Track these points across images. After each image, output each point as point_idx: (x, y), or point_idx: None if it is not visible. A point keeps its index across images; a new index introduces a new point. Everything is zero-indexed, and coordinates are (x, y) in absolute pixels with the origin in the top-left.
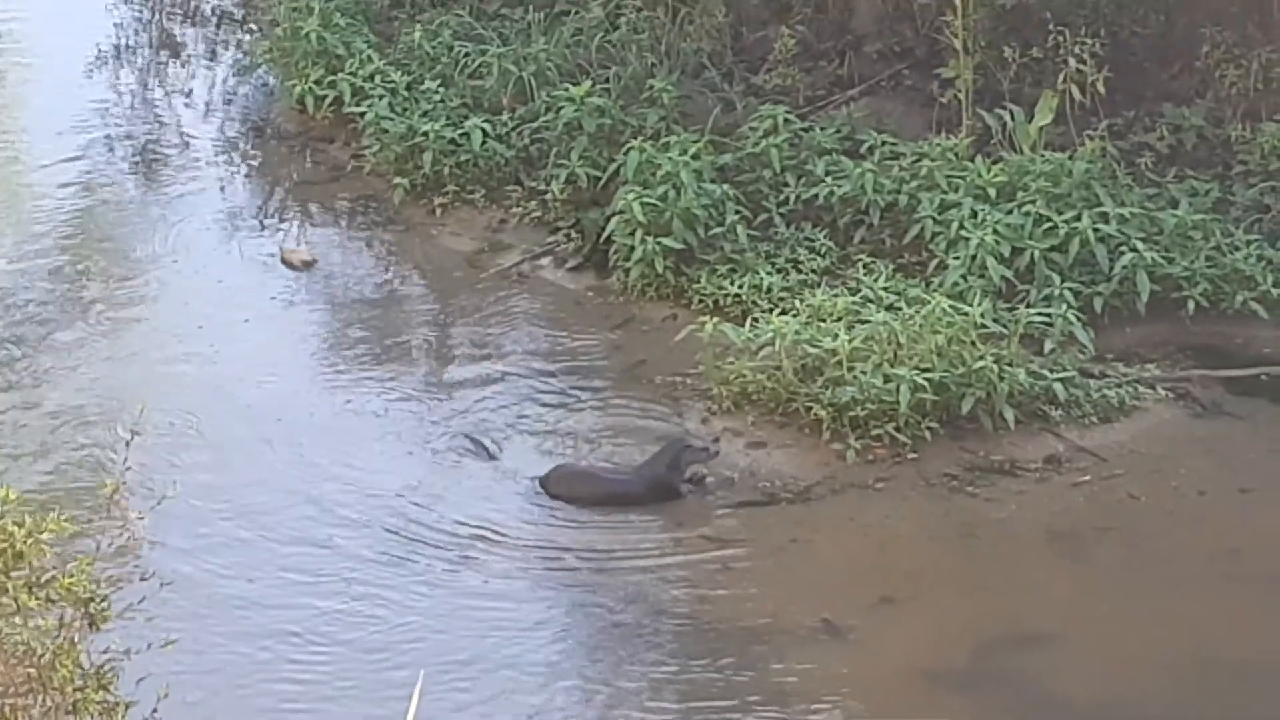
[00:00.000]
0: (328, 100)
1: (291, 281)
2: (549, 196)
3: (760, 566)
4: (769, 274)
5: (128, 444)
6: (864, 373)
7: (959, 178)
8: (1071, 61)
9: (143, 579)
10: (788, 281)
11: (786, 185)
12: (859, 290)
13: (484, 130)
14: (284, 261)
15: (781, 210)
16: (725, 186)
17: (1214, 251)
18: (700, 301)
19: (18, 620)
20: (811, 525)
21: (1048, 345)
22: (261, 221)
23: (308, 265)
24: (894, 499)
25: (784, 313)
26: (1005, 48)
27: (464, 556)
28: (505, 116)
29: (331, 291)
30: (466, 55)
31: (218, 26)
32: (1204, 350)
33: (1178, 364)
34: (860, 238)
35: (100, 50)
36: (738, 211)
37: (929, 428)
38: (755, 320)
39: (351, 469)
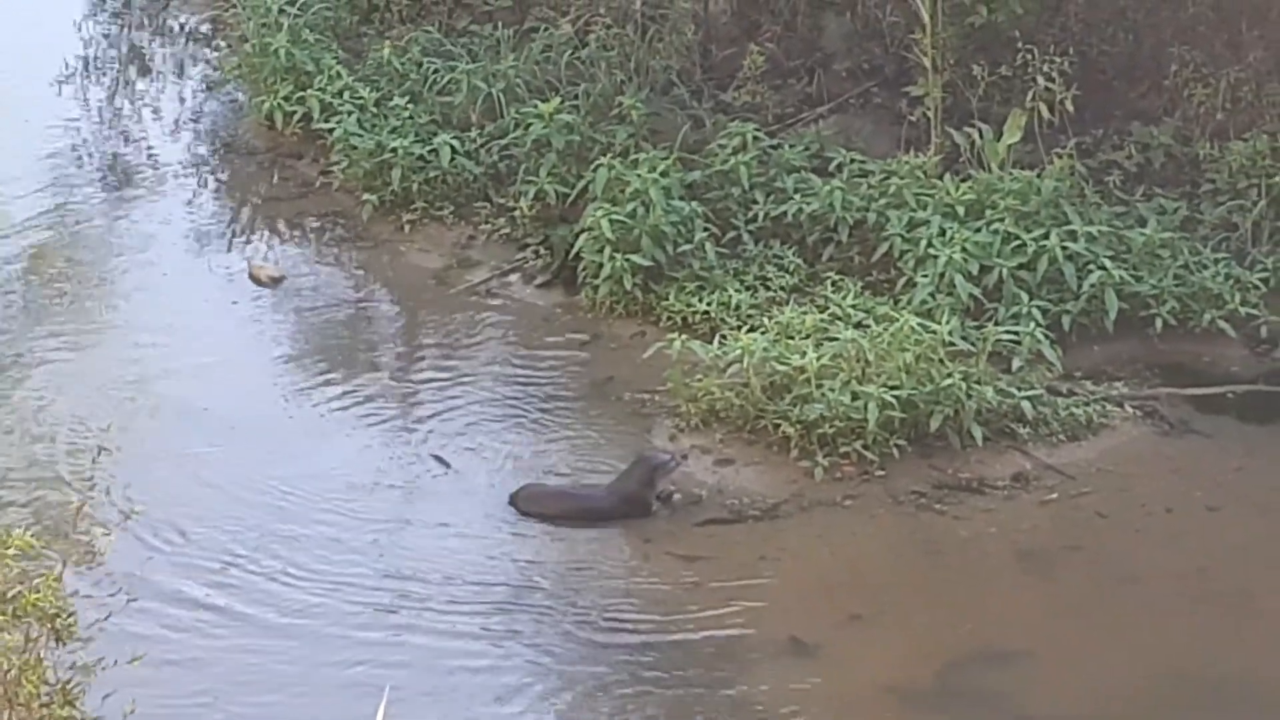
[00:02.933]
0: (296, 116)
1: (260, 297)
2: (517, 213)
3: (728, 584)
4: (737, 291)
5: (94, 460)
6: (832, 390)
7: (927, 195)
8: (1040, 80)
9: (109, 595)
10: (756, 299)
11: (755, 203)
12: (827, 308)
13: (453, 147)
14: (252, 278)
15: (750, 227)
16: (694, 204)
17: (1182, 270)
18: (668, 318)
19: None
20: (779, 543)
21: (1016, 363)
22: (229, 238)
23: (276, 281)
24: (862, 516)
25: (752, 330)
26: (974, 66)
27: (426, 575)
28: (474, 133)
29: (299, 307)
30: (435, 72)
31: (186, 42)
32: (1172, 368)
33: (1146, 382)
34: (829, 255)
35: (68, 65)
36: (706, 229)
37: (897, 445)
38: (723, 337)
39: (317, 483)
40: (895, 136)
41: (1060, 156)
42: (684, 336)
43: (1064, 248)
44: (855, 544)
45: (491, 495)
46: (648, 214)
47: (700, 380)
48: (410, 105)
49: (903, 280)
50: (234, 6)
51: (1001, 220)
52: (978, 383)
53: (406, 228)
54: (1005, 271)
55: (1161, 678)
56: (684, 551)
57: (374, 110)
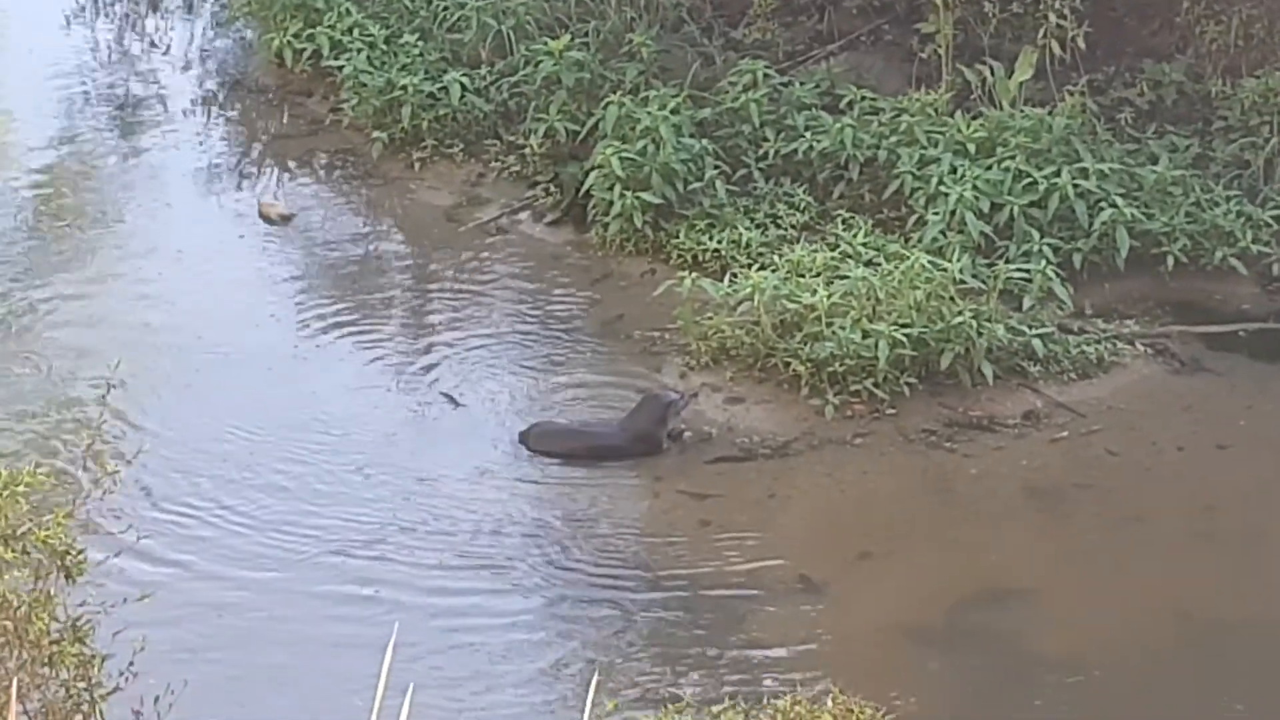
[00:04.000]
0: (306, 54)
1: (269, 235)
2: (527, 151)
3: (738, 522)
4: (748, 229)
5: (104, 397)
6: (843, 328)
7: (938, 133)
8: (1052, 17)
9: (120, 532)
10: (766, 237)
11: (765, 140)
12: (838, 245)
13: (462, 84)
14: (261, 215)
15: (760, 165)
16: (704, 141)
17: (1193, 207)
18: (679, 256)
19: None
20: (789, 481)
21: (1026, 301)
22: (239, 176)
23: (285, 219)
24: (872, 455)
25: (763, 268)
26: (985, 3)
27: (436, 515)
28: (484, 70)
29: (309, 245)
30: (445, 9)
31: None
32: (1183, 306)
33: (1157, 320)
34: (839, 193)
35: (78, 4)
36: (717, 166)
37: (907, 383)
38: (734, 275)
39: (327, 420)
40: (906, 74)
41: (1072, 94)
42: (694, 274)
43: (1075, 185)
44: (865, 482)
45: (501, 433)
46: (658, 151)
47: (710, 318)
48: (420, 42)
49: (913, 218)
50: None
51: (1013, 158)
52: (988, 320)
53: (416, 165)
54: (1016, 209)
55: (1170, 617)
56: (694, 489)
57: (383, 47)
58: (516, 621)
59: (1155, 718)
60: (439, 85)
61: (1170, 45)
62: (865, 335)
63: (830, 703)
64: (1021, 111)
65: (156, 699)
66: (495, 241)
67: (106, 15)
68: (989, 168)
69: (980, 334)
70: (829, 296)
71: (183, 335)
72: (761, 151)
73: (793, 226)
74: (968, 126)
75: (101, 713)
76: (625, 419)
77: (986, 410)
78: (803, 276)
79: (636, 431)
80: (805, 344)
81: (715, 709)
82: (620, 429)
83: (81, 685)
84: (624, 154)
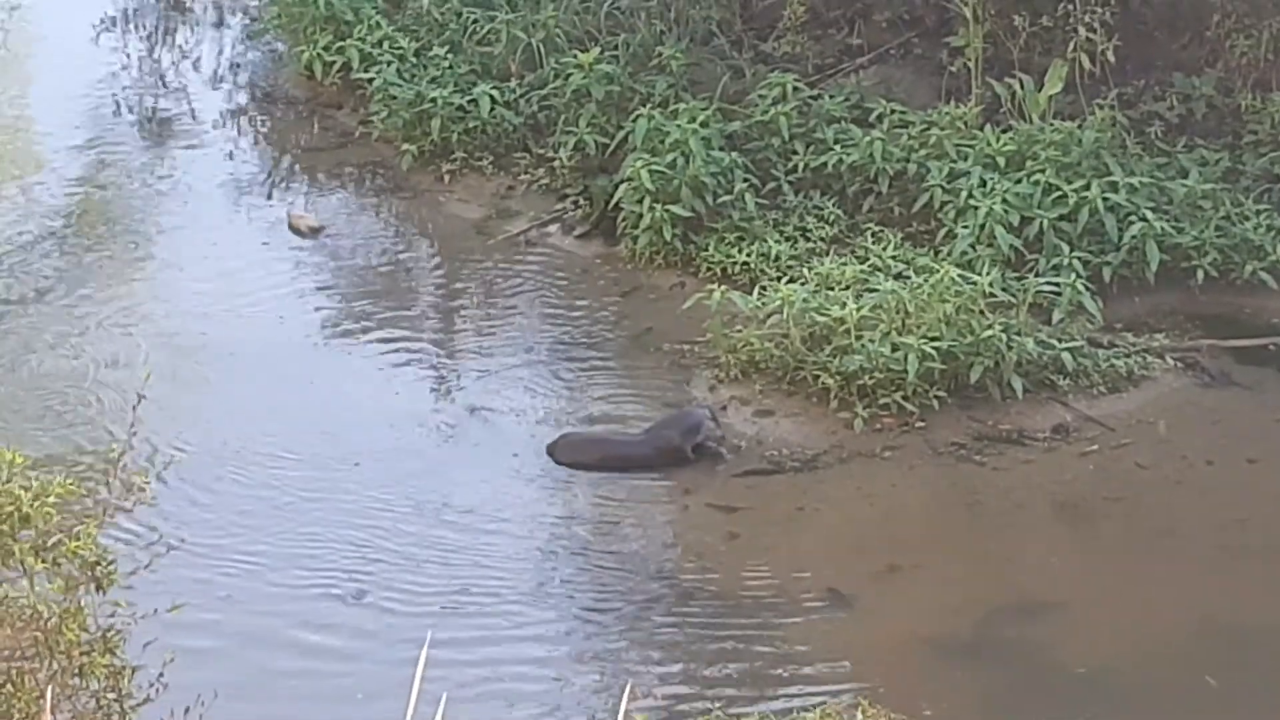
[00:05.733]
0: (336, 66)
1: (299, 247)
2: (557, 164)
3: (767, 534)
4: (777, 242)
5: (134, 408)
6: (872, 341)
7: (968, 146)
8: (1081, 30)
9: (149, 543)
10: (796, 250)
11: (795, 153)
12: (867, 259)
13: (492, 97)
14: (291, 228)
15: (790, 178)
16: (734, 154)
17: (1223, 221)
18: (708, 269)
19: (24, 584)
20: (818, 494)
21: (1056, 315)
22: (269, 188)
23: (315, 231)
24: (901, 468)
25: (792, 281)
26: (1015, 16)
27: (469, 524)
28: (514, 83)
29: (339, 257)
30: (475, 21)
31: None
32: (1213, 320)
33: (1186, 334)
34: (869, 206)
35: (107, 15)
36: (746, 179)
37: (937, 397)
38: (763, 288)
39: (356, 432)
40: (936, 87)
41: (1101, 107)
42: (723, 287)
43: (1105, 199)
44: (894, 495)
45: (530, 445)
46: (687, 164)
47: (740, 331)
48: (450, 55)
49: (943, 231)
50: None
51: (1042, 171)
52: (1018, 334)
53: (446, 178)
54: (1046, 223)
55: (1199, 629)
56: (724, 502)
57: (413, 60)
58: (545, 634)
59: None
60: (469, 98)
61: (1200, 59)
62: (894, 348)
63: (859, 715)
64: (1051, 125)
65: (187, 709)
66: (525, 254)
67: (137, 28)
68: (1018, 181)
69: (1010, 347)
70: (858, 310)
71: (212, 345)
72: (791, 164)
73: (822, 239)
74: (997, 140)
75: None
76: (651, 430)
77: (1016, 424)
78: (832, 289)
79: (663, 444)
80: (834, 357)
81: None
82: (646, 441)
83: (112, 696)
84: (653, 167)
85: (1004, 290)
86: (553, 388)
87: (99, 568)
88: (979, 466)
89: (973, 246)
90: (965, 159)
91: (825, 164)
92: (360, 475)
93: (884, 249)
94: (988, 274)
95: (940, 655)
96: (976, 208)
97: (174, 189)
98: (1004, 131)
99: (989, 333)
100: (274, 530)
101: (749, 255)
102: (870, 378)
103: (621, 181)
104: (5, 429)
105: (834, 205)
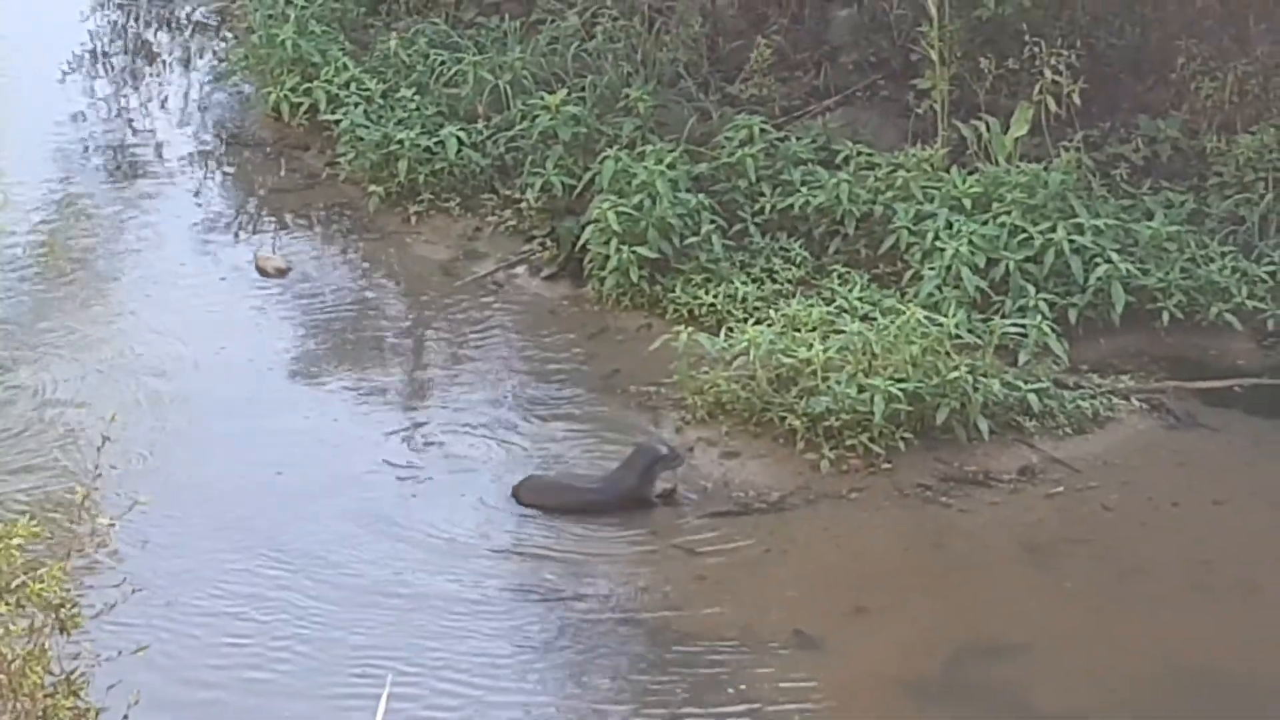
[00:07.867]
0: (303, 108)
1: (266, 289)
2: (524, 205)
3: (733, 577)
4: (744, 283)
5: (99, 450)
6: (838, 383)
7: (934, 188)
8: (1047, 73)
9: (114, 585)
10: (763, 291)
11: (762, 195)
12: (834, 300)
13: (459, 138)
14: (258, 269)
15: (757, 220)
16: (701, 196)
17: (1189, 263)
18: (675, 311)
19: None
20: (785, 535)
21: (1022, 356)
22: (236, 228)
23: (282, 272)
24: (868, 509)
25: (759, 322)
26: (981, 59)
27: (433, 565)
28: (480, 125)
29: (305, 299)
30: (442, 63)
31: (193, 34)
32: (1178, 362)
33: (1152, 375)
34: (835, 248)
35: (75, 57)
36: (713, 221)
37: (903, 438)
38: (730, 330)
39: (319, 472)
40: (902, 129)
41: (1067, 149)
42: (690, 329)
43: (1071, 241)
44: (861, 537)
45: (496, 488)
46: (654, 206)
47: (707, 373)
48: (417, 97)
49: (909, 273)
50: None
51: (1008, 213)
52: (984, 376)
53: (413, 219)
54: (1012, 264)
55: (1167, 671)
56: (690, 544)
57: (380, 102)
58: (506, 673)
59: None
60: (435, 140)
61: (1166, 101)
62: (861, 390)
63: None
64: (1017, 167)
65: None
66: (492, 296)
67: (104, 69)
68: (985, 223)
69: (976, 389)
70: (825, 351)
71: (178, 387)
72: (758, 206)
73: (789, 281)
74: (964, 182)
75: None
76: (613, 473)
77: (982, 465)
78: (798, 331)
79: (624, 488)
80: (801, 398)
81: None
82: (609, 483)
83: None
84: (620, 208)
85: (970, 332)
86: (519, 429)
87: (63, 609)
88: (945, 508)
89: (939, 288)
90: (931, 201)
91: (792, 206)
92: (321, 520)
93: (850, 290)
94: (954, 316)
95: (908, 696)
96: (943, 249)
97: (141, 230)
98: (970, 173)
99: (955, 374)
100: (233, 574)
101: (716, 297)
102: (837, 419)
103: (588, 223)
104: None
105: (800, 247)
